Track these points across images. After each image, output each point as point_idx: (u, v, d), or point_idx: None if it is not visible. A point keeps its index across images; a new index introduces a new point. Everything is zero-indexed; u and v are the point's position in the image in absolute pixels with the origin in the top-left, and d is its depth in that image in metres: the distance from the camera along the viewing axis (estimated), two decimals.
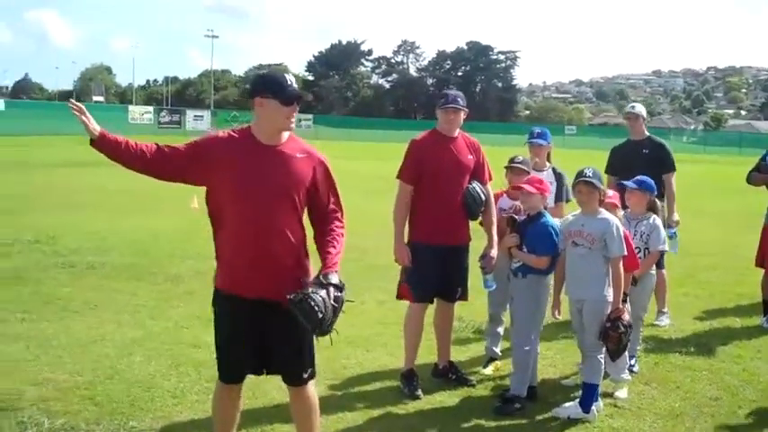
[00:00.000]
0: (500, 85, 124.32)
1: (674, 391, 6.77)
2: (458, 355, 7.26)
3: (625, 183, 7.19)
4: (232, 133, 4.47)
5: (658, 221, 7.21)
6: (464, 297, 6.76)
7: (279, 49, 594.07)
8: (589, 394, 6.11)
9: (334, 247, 4.50)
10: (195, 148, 4.41)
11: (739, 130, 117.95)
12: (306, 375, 4.62)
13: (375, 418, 6.00)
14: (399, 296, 6.64)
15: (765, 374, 7.30)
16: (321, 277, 4.33)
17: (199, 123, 65.61)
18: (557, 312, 6.39)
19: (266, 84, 4.40)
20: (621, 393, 6.58)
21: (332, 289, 4.28)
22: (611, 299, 6.03)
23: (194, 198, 17.73)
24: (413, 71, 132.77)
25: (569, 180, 7.04)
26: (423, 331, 6.69)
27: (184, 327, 8.18)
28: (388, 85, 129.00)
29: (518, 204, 6.90)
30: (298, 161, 4.42)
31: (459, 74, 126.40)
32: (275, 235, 4.36)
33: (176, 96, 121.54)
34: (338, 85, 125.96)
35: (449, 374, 6.83)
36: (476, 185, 6.49)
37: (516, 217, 6.62)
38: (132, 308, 8.88)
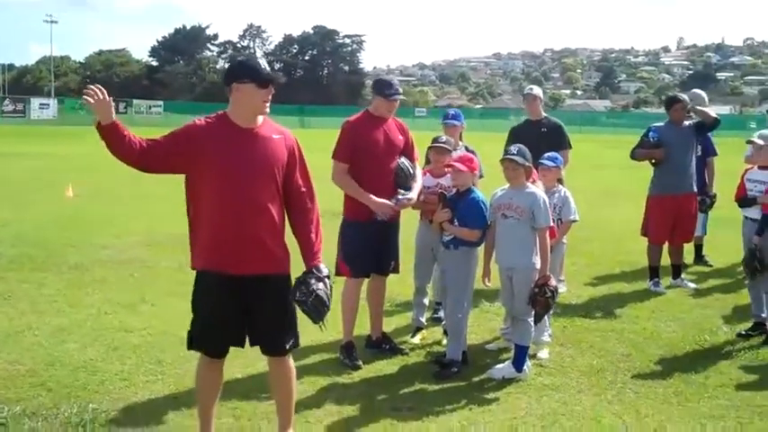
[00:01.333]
0: (347, 69, 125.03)
1: (589, 350, 7.35)
2: (384, 326, 7.60)
3: (542, 161, 7.69)
4: (209, 119, 4.65)
5: (568, 193, 7.79)
6: (396, 270, 7.12)
7: (121, 34, 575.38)
8: (521, 355, 6.61)
9: (316, 234, 4.81)
10: (176, 139, 4.59)
11: (576, 110, 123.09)
12: (288, 345, 4.87)
13: (326, 389, 6.30)
14: (337, 273, 6.93)
15: (664, 331, 8.00)
16: (315, 270, 4.69)
17: (44, 112, 63.24)
18: (487, 280, 6.83)
19: (243, 69, 4.63)
20: (543, 354, 7.11)
21: (327, 280, 4.72)
22: (538, 266, 6.53)
23: (69, 186, 17.45)
24: (259, 55, 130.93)
25: (480, 157, 7.56)
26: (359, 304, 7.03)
27: (108, 313, 8.22)
28: None
29: (441, 182, 7.32)
30: (275, 142, 4.67)
31: (306, 58, 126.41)
32: (259, 214, 4.58)
33: (13, 84, 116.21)
34: (183, 71, 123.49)
35: (382, 345, 7.19)
36: (404, 160, 6.87)
37: (446, 193, 7.01)
38: (47, 297, 8.82)
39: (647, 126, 10.28)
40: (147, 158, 4.51)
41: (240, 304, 4.70)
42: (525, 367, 6.62)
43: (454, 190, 7.01)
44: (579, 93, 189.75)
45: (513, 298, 6.62)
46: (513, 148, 6.61)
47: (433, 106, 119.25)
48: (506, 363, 6.70)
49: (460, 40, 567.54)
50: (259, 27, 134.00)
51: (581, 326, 8.12)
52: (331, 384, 6.40)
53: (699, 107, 9.99)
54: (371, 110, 6.92)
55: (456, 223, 6.73)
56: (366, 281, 7.06)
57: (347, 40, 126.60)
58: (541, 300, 6.48)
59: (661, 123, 10.10)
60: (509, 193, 6.64)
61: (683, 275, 10.23)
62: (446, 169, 7.16)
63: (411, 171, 6.89)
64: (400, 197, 6.78)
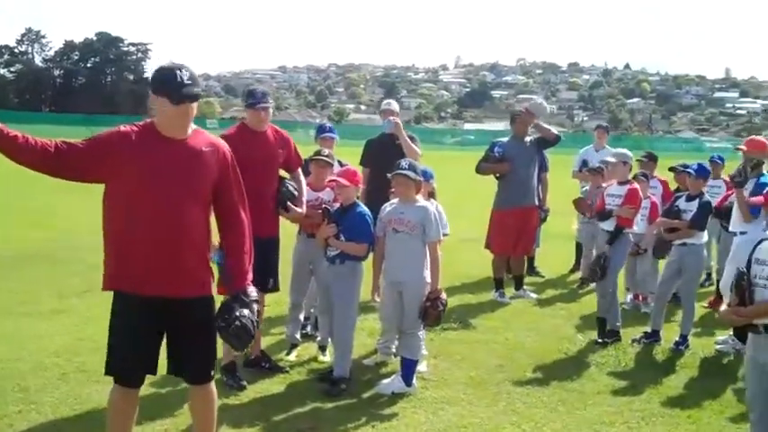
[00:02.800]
0: (132, 77, 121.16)
1: (462, 362, 7.46)
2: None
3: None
4: (134, 128, 4.28)
5: (440, 208, 7.86)
6: (276, 288, 6.93)
7: None
8: (410, 369, 6.61)
9: (249, 254, 4.56)
10: (95, 144, 4.22)
11: (361, 123, 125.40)
12: (212, 372, 4.63)
13: (220, 411, 5.98)
14: (219, 291, 6.64)
15: (525, 341, 8.26)
16: (242, 294, 4.44)
17: None
18: (376, 295, 6.78)
19: (158, 79, 4.21)
20: (422, 367, 7.14)
21: (254, 305, 4.47)
22: (428, 280, 6.55)
23: None
24: (38, 61, 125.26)
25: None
26: None
27: None
28: (11, 76, 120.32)
29: (321, 196, 7.21)
30: (205, 155, 4.33)
31: (89, 65, 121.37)
32: (181, 233, 4.27)
33: None
34: None
35: (262, 363, 6.97)
36: (289, 182, 6.70)
37: (329, 208, 6.91)
38: None
39: (492, 141, 10.63)
40: (60, 163, 4.08)
41: (157, 327, 4.41)
42: (414, 381, 6.61)
43: (337, 204, 6.93)
44: (363, 107, 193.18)
45: (402, 312, 6.60)
46: (404, 163, 6.61)
47: (220, 118, 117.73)
48: (394, 377, 6.67)
49: (246, 52, 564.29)
50: (38, 32, 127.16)
51: (446, 338, 8.22)
52: (222, 406, 6.09)
53: (541, 124, 10.36)
54: (248, 123, 6.71)
55: (342, 238, 6.64)
56: None
57: (132, 48, 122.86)
58: (433, 313, 6.50)
59: (505, 139, 10.46)
60: (399, 208, 6.62)
61: (524, 286, 10.59)
62: (328, 184, 7.06)
63: (295, 194, 6.73)
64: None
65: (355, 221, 6.64)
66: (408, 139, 8.88)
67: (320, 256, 6.98)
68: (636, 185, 8.37)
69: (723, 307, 5.24)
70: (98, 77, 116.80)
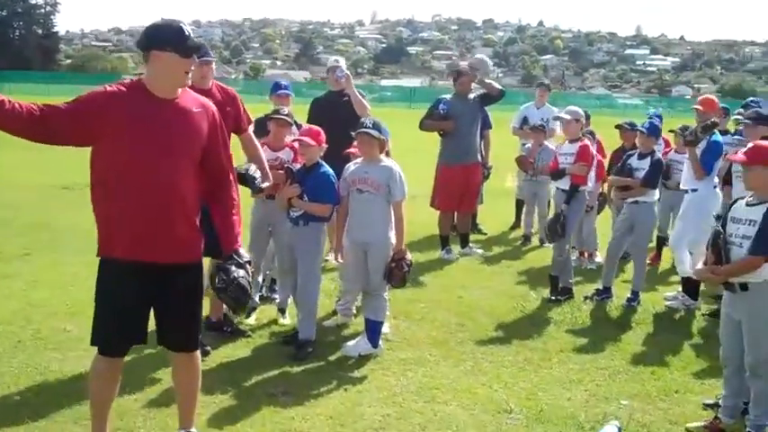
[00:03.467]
0: (40, 32, 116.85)
1: (422, 322, 7.45)
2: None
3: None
4: (121, 87, 4.06)
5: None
6: None
7: None
8: (376, 330, 6.56)
9: (236, 215, 4.42)
10: (79, 106, 3.98)
11: (278, 80, 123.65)
12: (199, 339, 4.52)
13: None
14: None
15: (481, 299, 8.29)
16: (235, 255, 4.34)
17: None
18: (340, 256, 6.69)
19: (163, 35, 4.05)
20: (385, 328, 7.09)
21: (248, 266, 4.39)
22: (393, 240, 6.48)
23: None
24: None
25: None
26: None
27: None
28: None
29: (280, 156, 7.05)
30: (195, 116, 4.18)
31: None
32: (173, 196, 4.12)
33: None
34: None
35: (224, 327, 6.83)
36: (249, 167, 6.28)
37: (291, 168, 6.76)
38: None
39: (436, 98, 10.58)
40: (47, 128, 3.87)
41: (146, 295, 4.23)
42: (380, 342, 6.57)
43: (298, 164, 6.79)
44: (279, 63, 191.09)
45: (368, 273, 6.52)
46: (368, 121, 6.49)
47: (135, 73, 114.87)
48: (359, 339, 6.61)
49: (157, 6, 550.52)
50: None
51: (402, 297, 8.13)
52: None
53: (485, 80, 10.31)
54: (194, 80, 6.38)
55: (305, 198, 6.51)
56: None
57: (40, 2, 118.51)
58: (399, 274, 6.44)
59: (449, 96, 10.40)
60: (363, 167, 6.51)
61: (470, 244, 10.63)
62: (290, 144, 6.92)
63: (257, 174, 6.36)
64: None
65: (319, 181, 6.51)
66: (358, 94, 8.73)
67: (280, 217, 6.84)
68: (587, 142, 8.41)
69: (699, 265, 5.32)
70: (5, 32, 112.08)
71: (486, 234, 11.86)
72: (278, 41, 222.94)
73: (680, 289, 8.40)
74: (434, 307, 7.92)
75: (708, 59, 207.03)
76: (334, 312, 7.45)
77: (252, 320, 7.22)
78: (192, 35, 4.11)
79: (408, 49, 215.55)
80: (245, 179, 6.08)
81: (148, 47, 4.04)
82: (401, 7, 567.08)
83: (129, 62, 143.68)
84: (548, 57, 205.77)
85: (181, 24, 4.08)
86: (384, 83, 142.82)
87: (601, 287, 8.41)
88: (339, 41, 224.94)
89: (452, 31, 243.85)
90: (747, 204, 5.06)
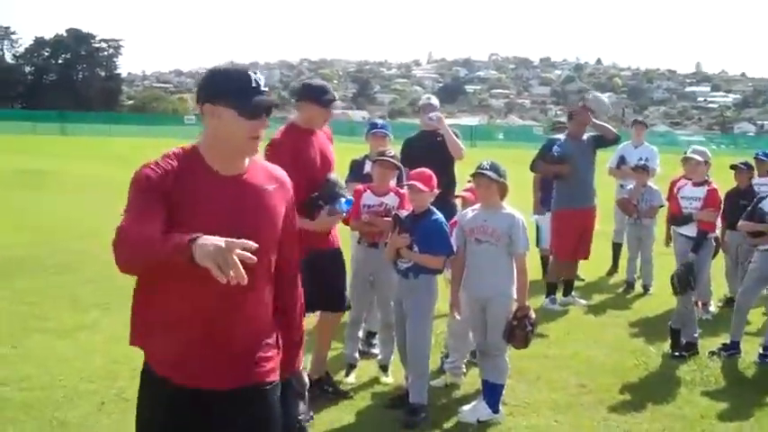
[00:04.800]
0: (103, 74, 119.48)
1: (539, 382, 6.79)
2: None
3: None
4: (169, 159, 2.96)
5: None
6: (347, 306, 6.24)
7: None
8: (495, 394, 5.91)
9: (300, 330, 3.41)
10: (149, 200, 2.89)
11: (336, 119, 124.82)
12: None
13: None
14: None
15: (596, 356, 7.58)
16: (294, 382, 3.37)
17: None
18: (456, 312, 6.07)
19: (217, 85, 2.95)
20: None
21: (306, 395, 3.63)
22: (515, 296, 5.84)
23: None
24: (9, 58, 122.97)
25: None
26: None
27: None
28: None
29: (385, 201, 6.49)
30: (270, 195, 3.09)
31: (60, 62, 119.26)
32: (242, 308, 3.03)
33: None
34: None
35: (324, 387, 6.24)
36: (331, 174, 5.94)
37: (399, 215, 6.17)
38: None
39: (548, 139, 9.95)
40: None
41: (198, 426, 3.09)
42: (500, 407, 5.91)
43: (404, 211, 6.21)
44: (338, 103, 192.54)
45: (485, 331, 5.89)
46: (486, 163, 5.87)
47: (195, 114, 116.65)
48: (477, 403, 5.96)
49: (218, 48, 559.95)
50: (8, 28, 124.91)
51: (512, 353, 7.49)
52: None
53: (599, 122, 9.63)
54: (299, 122, 5.93)
55: (416, 249, 5.91)
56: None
57: (103, 44, 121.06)
58: (521, 334, 5.80)
59: (561, 136, 9.76)
60: (482, 215, 5.90)
61: (572, 292, 9.93)
62: (393, 188, 6.38)
63: (341, 182, 6.00)
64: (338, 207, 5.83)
65: (431, 230, 5.91)
66: (453, 135, 8.18)
67: (384, 266, 6.28)
68: (715, 186, 7.69)
69: None
70: (69, 74, 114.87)
71: (583, 280, 11.11)
72: (335, 81, 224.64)
73: None
74: (548, 365, 7.23)
75: None
76: (441, 371, 6.81)
77: (352, 379, 6.63)
78: (262, 88, 2.95)
79: (465, 87, 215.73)
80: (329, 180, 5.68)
81: (202, 98, 2.96)
82: (458, 47, 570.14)
83: (190, 102, 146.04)
84: (607, 94, 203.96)
85: (249, 73, 2.95)
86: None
87: (728, 342, 7.64)
88: (396, 81, 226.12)
89: (509, 70, 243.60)
90: None
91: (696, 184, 7.70)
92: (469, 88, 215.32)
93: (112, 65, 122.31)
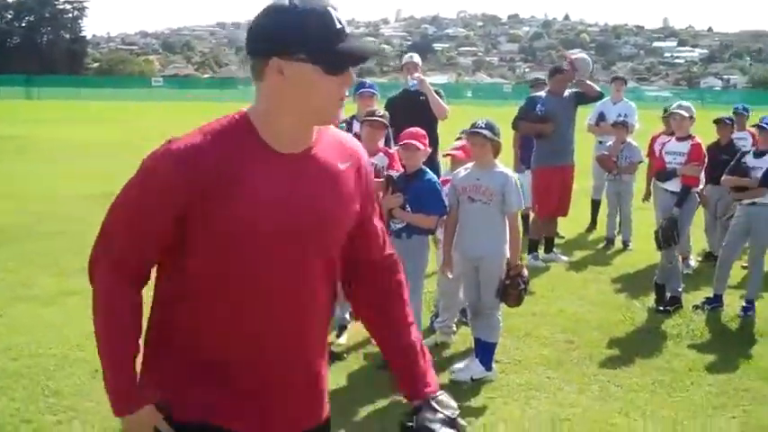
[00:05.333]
0: (68, 36, 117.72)
1: (528, 339, 6.86)
2: None
3: None
4: (211, 134, 2.13)
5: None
6: None
7: None
8: (489, 352, 5.95)
9: (417, 335, 2.52)
10: (143, 215, 2.16)
11: None
12: None
13: None
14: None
15: (582, 312, 7.66)
16: (437, 405, 2.35)
17: None
18: (449, 271, 6.08)
19: (295, 29, 2.03)
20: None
21: (458, 421, 2.36)
22: (508, 254, 5.87)
23: None
24: None
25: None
26: None
27: None
28: None
29: (374, 162, 6.46)
30: (343, 176, 2.28)
31: (24, 25, 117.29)
32: (310, 322, 2.31)
33: None
34: None
35: None
36: None
37: (392, 175, 6.17)
38: None
39: (529, 97, 9.93)
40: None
41: None
42: (493, 365, 5.97)
43: (394, 171, 6.21)
44: None
45: (479, 290, 5.92)
46: (481, 121, 5.86)
47: (161, 75, 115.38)
48: (469, 361, 6.00)
49: (183, 8, 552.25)
50: None
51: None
52: None
53: (583, 80, 9.60)
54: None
55: (408, 209, 5.91)
56: None
57: (67, 6, 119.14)
58: (513, 293, 5.83)
59: (542, 93, 9.73)
60: (475, 173, 5.89)
61: (554, 248, 10.00)
62: (381, 149, 6.37)
63: None
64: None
65: (424, 190, 5.91)
66: (436, 95, 8.17)
67: None
68: (699, 141, 7.73)
69: None
70: (33, 37, 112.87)
71: (563, 237, 11.17)
72: None
73: None
74: (537, 321, 7.29)
75: (737, 50, 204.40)
76: (431, 330, 6.85)
77: (343, 340, 6.65)
78: (346, 30, 2.09)
79: (434, 45, 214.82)
80: None
81: (265, 51, 2.08)
82: (426, 4, 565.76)
83: (156, 65, 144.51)
84: (575, 51, 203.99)
85: (329, 10, 2.06)
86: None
87: (711, 296, 7.74)
88: (364, 40, 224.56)
89: (478, 27, 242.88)
90: None
91: (680, 139, 7.73)
92: (438, 46, 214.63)
93: (77, 27, 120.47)
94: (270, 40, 2.07)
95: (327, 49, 2.04)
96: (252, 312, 2.19)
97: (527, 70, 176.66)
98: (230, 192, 2.08)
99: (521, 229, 6.34)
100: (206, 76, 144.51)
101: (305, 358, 2.33)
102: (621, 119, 10.67)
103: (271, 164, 2.14)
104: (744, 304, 7.56)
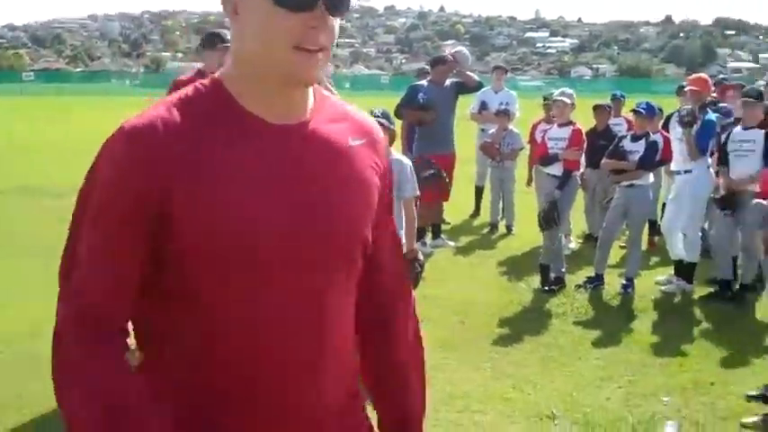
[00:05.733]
0: None
1: (423, 322, 6.99)
2: None
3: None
4: (179, 103, 1.57)
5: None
6: None
7: None
8: None
9: (421, 382, 2.12)
10: (112, 223, 1.53)
11: (184, 71, 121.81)
12: None
13: None
14: None
15: (473, 295, 7.90)
16: None
17: None
18: None
19: None
20: None
21: None
22: (404, 240, 6.01)
23: None
24: None
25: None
26: None
27: None
28: None
29: None
30: (357, 155, 1.71)
31: None
32: (324, 344, 1.67)
33: None
34: None
35: None
36: None
37: None
38: None
39: (411, 86, 10.09)
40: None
41: None
42: None
43: None
44: (180, 56, 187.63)
45: None
46: (377, 110, 5.98)
47: (30, 69, 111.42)
48: None
49: (53, 1, 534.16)
50: None
51: None
52: None
53: (463, 71, 9.86)
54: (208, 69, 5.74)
55: None
56: None
57: None
58: (411, 276, 5.98)
59: (424, 83, 9.93)
60: None
61: (442, 235, 10.24)
62: None
63: None
64: None
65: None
66: (329, 85, 8.24)
67: None
68: (579, 127, 8.08)
69: None
70: None
71: (449, 224, 11.44)
72: (178, 33, 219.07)
73: (671, 272, 8.17)
74: (430, 305, 7.43)
75: (605, 40, 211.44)
76: None
77: None
78: None
79: None
80: None
81: None
82: None
83: (26, 59, 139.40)
84: (450, 42, 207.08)
85: None
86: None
87: (593, 275, 8.10)
88: None
89: (354, 19, 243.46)
90: None
91: (561, 125, 8.06)
92: None
93: None
94: None
95: None
96: (255, 338, 1.57)
97: (404, 61, 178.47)
98: (205, 175, 1.50)
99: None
100: (78, 69, 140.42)
101: (321, 390, 1.67)
102: (503, 107, 10.97)
103: (257, 139, 1.56)
104: (623, 282, 7.94)
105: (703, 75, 8.71)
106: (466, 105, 12.03)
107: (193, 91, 1.59)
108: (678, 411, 5.21)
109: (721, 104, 8.72)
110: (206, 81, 1.62)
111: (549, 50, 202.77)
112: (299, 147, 1.60)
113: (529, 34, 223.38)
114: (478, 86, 10.09)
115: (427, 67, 11.30)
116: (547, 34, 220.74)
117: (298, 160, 1.59)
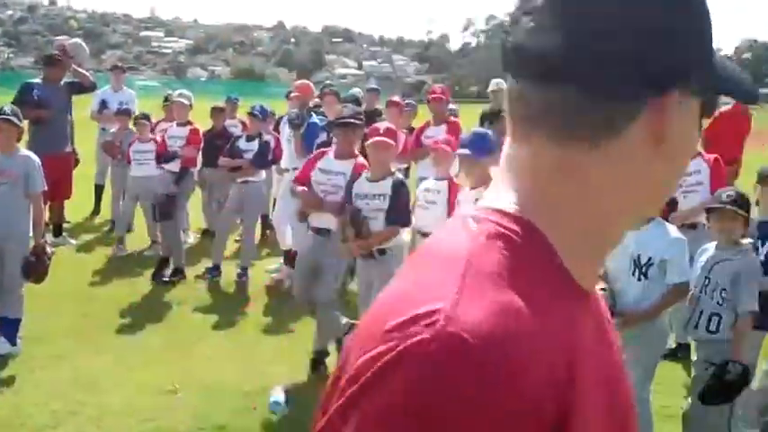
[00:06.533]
0: None
1: (52, 316, 7.22)
2: None
3: None
4: (526, 285, 0.88)
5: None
6: None
7: None
8: (13, 328, 6.28)
9: None
10: None
11: None
12: None
13: None
14: None
15: (100, 289, 8.20)
16: None
17: None
18: None
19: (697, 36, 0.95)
20: None
21: None
22: (32, 234, 6.27)
23: None
24: None
25: None
26: None
27: None
28: None
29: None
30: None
31: None
32: None
33: None
34: None
35: None
36: None
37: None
38: None
39: (25, 83, 10.04)
40: None
41: None
42: (18, 341, 6.30)
43: None
44: None
45: (3, 269, 6.23)
46: (7, 108, 6.33)
47: None
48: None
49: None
50: None
51: None
52: None
53: (80, 69, 10.00)
54: None
55: None
56: None
57: None
58: (41, 268, 6.27)
59: (38, 80, 9.94)
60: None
61: (63, 234, 10.33)
62: None
63: None
64: None
65: None
66: None
67: None
68: (197, 126, 8.72)
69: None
70: None
71: (69, 222, 11.46)
72: None
73: (281, 261, 9.02)
74: (58, 300, 7.66)
75: (221, 42, 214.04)
76: None
77: None
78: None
79: None
80: None
81: (653, 79, 0.92)
82: None
83: None
84: (62, 37, 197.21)
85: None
86: None
87: (211, 265, 8.75)
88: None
89: None
90: (369, 180, 5.76)
91: (180, 125, 8.65)
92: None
93: None
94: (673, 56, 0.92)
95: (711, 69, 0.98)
96: None
97: (11, 56, 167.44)
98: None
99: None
100: None
101: None
102: (124, 107, 11.23)
103: (585, 317, 0.99)
104: (239, 271, 8.67)
105: (306, 81, 9.69)
106: (85, 105, 12.16)
107: (514, 248, 0.92)
108: (289, 379, 5.99)
109: (321, 108, 9.74)
110: (516, 227, 0.93)
111: (164, 50, 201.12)
112: (601, 324, 1.06)
113: (144, 33, 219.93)
114: (94, 86, 10.30)
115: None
116: (162, 34, 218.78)
117: (609, 346, 1.06)
